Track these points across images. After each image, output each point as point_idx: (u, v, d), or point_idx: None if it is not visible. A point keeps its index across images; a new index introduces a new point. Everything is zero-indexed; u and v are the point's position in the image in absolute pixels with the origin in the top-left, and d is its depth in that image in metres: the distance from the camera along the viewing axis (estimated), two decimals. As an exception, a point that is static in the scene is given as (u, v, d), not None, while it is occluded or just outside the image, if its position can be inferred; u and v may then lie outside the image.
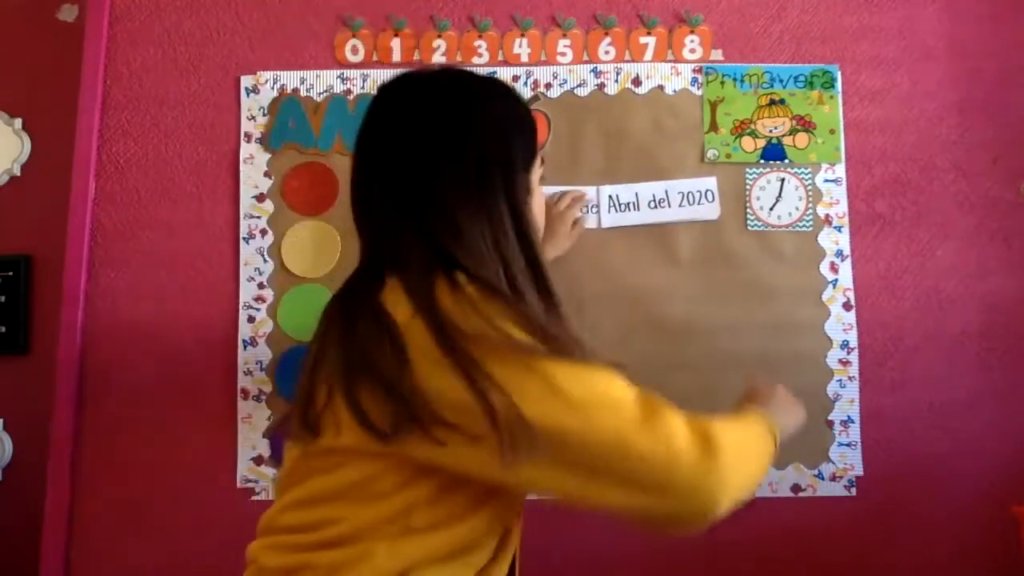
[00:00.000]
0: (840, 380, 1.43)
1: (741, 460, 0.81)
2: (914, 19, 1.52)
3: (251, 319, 1.47)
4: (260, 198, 1.50)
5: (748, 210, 1.47)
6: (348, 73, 1.52)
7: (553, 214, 1.42)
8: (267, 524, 0.90)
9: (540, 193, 0.94)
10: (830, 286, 1.46)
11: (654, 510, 0.78)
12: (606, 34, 1.52)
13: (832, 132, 1.49)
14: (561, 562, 1.41)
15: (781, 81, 1.50)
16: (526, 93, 1.50)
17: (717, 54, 1.51)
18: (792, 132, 1.49)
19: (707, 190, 1.47)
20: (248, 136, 1.51)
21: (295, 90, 1.52)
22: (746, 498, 0.84)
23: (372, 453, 0.79)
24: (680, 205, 1.47)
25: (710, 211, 1.46)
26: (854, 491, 1.41)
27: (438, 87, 0.89)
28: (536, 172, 0.92)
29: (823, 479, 1.42)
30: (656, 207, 1.47)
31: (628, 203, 1.47)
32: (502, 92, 0.93)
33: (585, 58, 1.51)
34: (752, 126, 1.49)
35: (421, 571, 0.80)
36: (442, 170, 0.83)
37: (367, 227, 0.88)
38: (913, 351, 1.45)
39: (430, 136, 0.84)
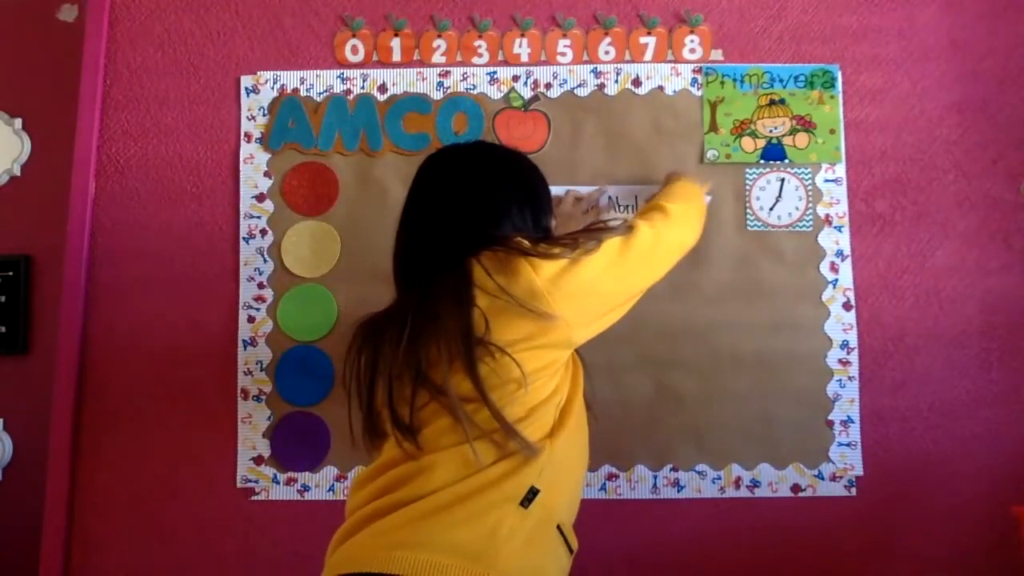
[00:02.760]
0: (840, 380, 1.43)
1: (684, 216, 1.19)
2: (914, 19, 1.52)
3: (251, 319, 1.47)
4: (260, 198, 1.50)
5: (748, 210, 1.47)
6: (348, 73, 1.52)
7: (559, 211, 1.43)
8: None
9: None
10: (830, 286, 1.46)
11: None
12: (606, 34, 1.52)
13: (832, 132, 1.49)
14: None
15: (781, 81, 1.49)
16: (526, 93, 1.50)
17: (717, 54, 1.51)
18: (792, 132, 1.49)
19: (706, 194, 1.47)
20: (248, 136, 1.51)
21: (295, 90, 1.52)
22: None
23: None
24: None
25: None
26: (854, 491, 1.42)
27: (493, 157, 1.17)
28: (552, 220, 1.17)
29: (823, 479, 1.42)
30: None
31: (627, 206, 1.47)
32: (522, 161, 1.18)
33: (585, 58, 1.51)
34: (752, 126, 1.49)
35: None
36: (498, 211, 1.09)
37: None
38: (913, 351, 1.45)
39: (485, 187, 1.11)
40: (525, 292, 0.97)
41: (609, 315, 1.08)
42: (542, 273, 0.98)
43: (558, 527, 1.01)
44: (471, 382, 0.95)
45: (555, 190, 1.46)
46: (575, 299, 1.00)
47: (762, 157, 1.48)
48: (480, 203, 1.08)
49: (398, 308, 1.05)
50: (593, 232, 1.07)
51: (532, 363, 0.98)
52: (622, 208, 1.47)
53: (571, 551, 1.05)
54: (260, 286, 1.48)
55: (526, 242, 1.01)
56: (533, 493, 0.96)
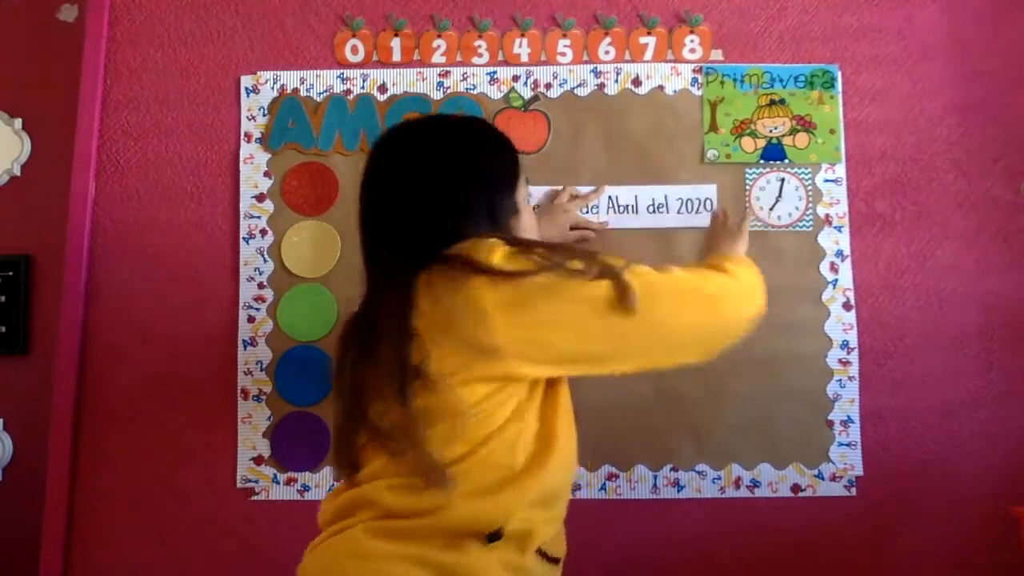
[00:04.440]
0: (840, 380, 1.43)
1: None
2: (914, 19, 1.52)
3: (251, 319, 1.47)
4: (260, 198, 1.50)
5: (748, 210, 1.47)
6: (348, 73, 1.52)
7: (554, 203, 1.44)
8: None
9: (528, 211, 1.06)
10: (830, 286, 1.46)
11: None
12: (606, 34, 1.52)
13: (832, 132, 1.49)
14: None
15: (781, 81, 1.49)
16: (526, 93, 1.50)
17: (717, 54, 1.51)
18: (792, 132, 1.49)
19: (706, 198, 1.47)
20: (248, 136, 1.51)
21: (295, 90, 1.52)
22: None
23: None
24: (679, 212, 1.47)
25: (708, 219, 1.46)
26: (854, 491, 1.42)
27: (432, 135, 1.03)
28: (522, 191, 1.04)
29: (823, 479, 1.42)
30: (655, 212, 1.47)
31: (627, 206, 1.47)
32: (479, 133, 1.05)
33: (585, 58, 1.51)
34: (752, 126, 1.49)
35: None
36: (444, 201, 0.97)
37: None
38: (913, 351, 1.45)
39: (431, 176, 0.98)
40: (469, 318, 0.87)
41: (579, 367, 0.93)
42: (492, 296, 0.86)
43: (539, 550, 0.94)
44: (405, 417, 0.88)
45: (555, 190, 1.48)
46: (527, 334, 0.88)
47: (762, 157, 1.48)
48: (422, 209, 0.96)
49: (351, 323, 1.00)
50: (576, 252, 0.92)
51: (474, 395, 0.89)
52: (622, 208, 1.47)
53: (556, 560, 1.00)
54: (260, 286, 1.48)
55: (483, 255, 0.88)
56: (497, 534, 0.89)
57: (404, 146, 1.02)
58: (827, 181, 1.48)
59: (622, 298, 0.87)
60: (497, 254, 0.88)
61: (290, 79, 1.52)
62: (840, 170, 1.48)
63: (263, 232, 1.49)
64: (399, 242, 0.96)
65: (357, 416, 0.94)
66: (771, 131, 1.49)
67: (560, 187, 1.47)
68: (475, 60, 1.52)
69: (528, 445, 0.92)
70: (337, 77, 1.52)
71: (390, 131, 1.05)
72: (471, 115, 1.12)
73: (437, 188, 0.96)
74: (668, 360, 0.95)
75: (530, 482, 0.90)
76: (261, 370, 1.46)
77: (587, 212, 1.46)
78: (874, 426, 1.43)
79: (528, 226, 1.04)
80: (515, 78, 1.51)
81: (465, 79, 1.51)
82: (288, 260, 1.48)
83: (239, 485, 1.45)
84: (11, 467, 1.52)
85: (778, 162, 1.48)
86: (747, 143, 1.48)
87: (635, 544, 1.42)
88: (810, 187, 1.47)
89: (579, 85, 1.50)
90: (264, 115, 1.52)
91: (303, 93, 1.52)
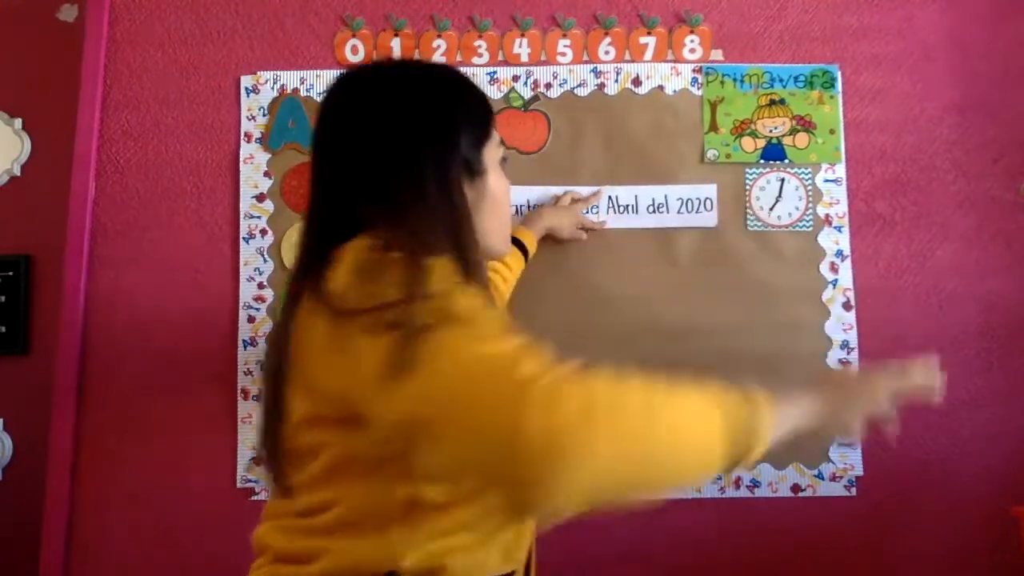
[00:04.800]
0: (840, 380, 1.43)
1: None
2: (914, 19, 1.52)
3: (251, 319, 1.47)
4: (260, 198, 1.50)
5: (748, 210, 1.47)
6: (348, 73, 1.52)
7: (558, 205, 1.45)
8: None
9: (498, 174, 0.91)
10: (830, 286, 1.46)
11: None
12: (606, 34, 1.52)
13: (832, 132, 1.49)
14: (559, 562, 1.41)
15: (781, 81, 1.49)
16: (526, 93, 1.50)
17: (717, 54, 1.51)
18: (792, 132, 1.49)
19: (706, 198, 1.47)
20: (248, 136, 1.51)
21: (295, 90, 1.52)
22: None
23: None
24: (679, 212, 1.47)
25: (708, 219, 1.46)
26: (854, 491, 1.41)
27: (379, 80, 0.88)
28: (491, 150, 0.89)
29: (823, 479, 1.42)
30: (655, 212, 1.47)
31: (628, 205, 1.47)
32: (441, 76, 0.90)
33: (585, 58, 1.51)
34: (752, 126, 1.49)
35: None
36: (385, 154, 0.82)
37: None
38: (913, 351, 1.44)
39: (372, 124, 0.84)
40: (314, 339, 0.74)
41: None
42: (323, 332, 0.72)
43: None
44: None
45: (554, 190, 1.48)
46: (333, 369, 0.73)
47: (762, 157, 1.48)
48: (353, 159, 0.83)
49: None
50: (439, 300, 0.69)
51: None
52: (622, 208, 1.47)
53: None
54: (260, 286, 1.48)
55: (331, 270, 0.74)
56: None
57: (347, 91, 0.88)
58: (827, 181, 1.48)
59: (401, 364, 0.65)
60: (341, 272, 0.73)
61: (290, 79, 1.52)
62: (840, 170, 1.48)
63: (263, 232, 1.49)
64: (303, 241, 0.84)
65: (271, 434, 0.82)
66: (771, 131, 1.49)
67: (560, 190, 1.47)
68: (475, 60, 1.52)
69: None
70: (337, 77, 1.52)
71: (338, 78, 0.91)
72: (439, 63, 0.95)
73: (375, 136, 0.83)
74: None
75: (420, 514, 0.76)
76: (261, 370, 1.46)
77: (587, 212, 1.46)
78: (874, 426, 1.42)
79: (497, 191, 0.89)
80: (515, 78, 1.51)
81: (465, 79, 1.51)
82: (288, 260, 1.48)
83: (239, 485, 1.45)
84: (11, 467, 1.52)
85: (778, 162, 1.48)
86: (747, 143, 1.48)
87: (635, 544, 1.42)
88: (810, 187, 1.47)
89: (579, 85, 1.50)
90: (264, 115, 1.51)
91: (303, 93, 1.52)
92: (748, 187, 1.47)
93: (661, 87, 1.50)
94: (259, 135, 1.51)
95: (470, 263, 0.78)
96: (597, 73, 1.51)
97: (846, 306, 1.45)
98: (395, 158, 0.82)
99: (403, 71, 0.89)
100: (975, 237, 1.47)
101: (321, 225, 0.83)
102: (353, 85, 0.88)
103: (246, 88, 1.52)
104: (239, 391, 1.46)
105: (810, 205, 1.47)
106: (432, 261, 0.72)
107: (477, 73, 1.51)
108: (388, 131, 0.82)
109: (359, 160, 0.83)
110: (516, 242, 1.35)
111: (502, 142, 0.92)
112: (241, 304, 1.48)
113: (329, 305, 0.71)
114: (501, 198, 0.91)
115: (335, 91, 0.89)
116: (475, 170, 0.86)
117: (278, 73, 1.52)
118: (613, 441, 0.61)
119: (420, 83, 0.86)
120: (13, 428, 1.52)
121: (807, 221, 1.47)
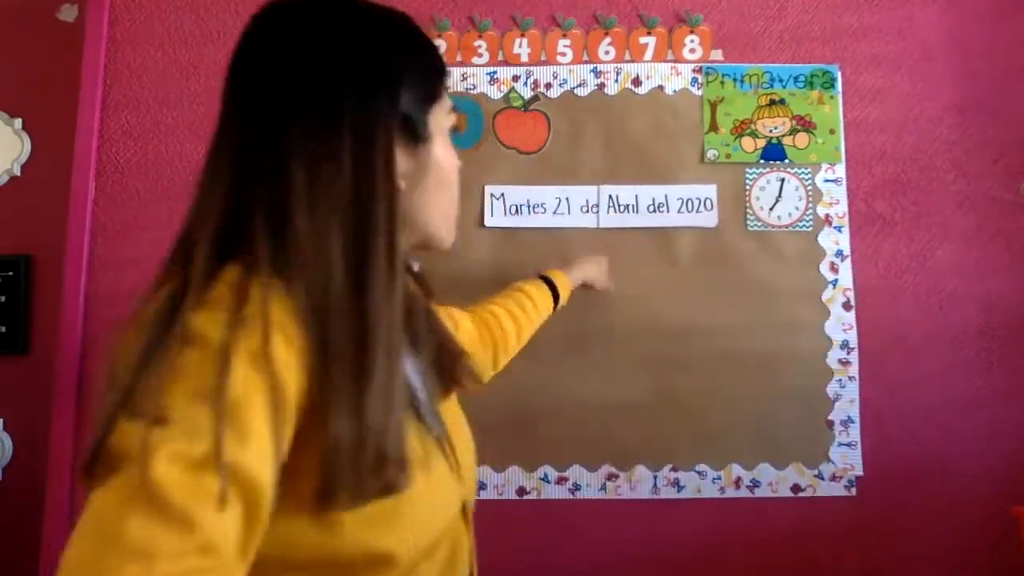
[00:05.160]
0: (840, 380, 1.43)
1: None
2: (914, 19, 1.52)
3: (251, 319, 1.47)
4: (260, 198, 1.50)
5: (748, 210, 1.47)
6: (348, 73, 1.52)
7: (596, 260, 1.40)
8: None
9: (447, 146, 0.75)
10: (830, 286, 1.46)
11: None
12: (606, 34, 1.52)
13: (832, 132, 1.49)
14: (558, 563, 1.41)
15: (781, 81, 1.49)
16: (526, 93, 1.50)
17: (717, 54, 1.51)
18: (792, 132, 1.49)
19: (706, 198, 1.47)
20: (248, 136, 1.51)
21: (295, 90, 1.51)
22: None
23: None
24: (679, 211, 1.47)
25: (708, 219, 1.46)
26: (854, 491, 1.41)
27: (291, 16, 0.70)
28: (439, 115, 0.74)
29: (823, 479, 1.42)
30: (655, 211, 1.47)
31: (628, 205, 1.47)
32: (387, 15, 0.72)
33: (585, 58, 1.51)
34: (752, 126, 1.49)
35: None
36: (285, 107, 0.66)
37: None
38: (913, 351, 1.45)
39: (276, 70, 0.67)
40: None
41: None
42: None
43: None
44: None
45: (554, 190, 1.48)
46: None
47: (762, 157, 1.48)
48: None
49: None
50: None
51: None
52: (622, 208, 1.47)
53: None
54: (260, 286, 1.48)
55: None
56: None
57: (264, 22, 0.70)
58: (827, 181, 1.48)
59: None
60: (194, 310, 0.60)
61: (290, 79, 1.52)
62: (840, 170, 1.48)
63: (263, 232, 1.49)
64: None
65: None
66: (771, 131, 1.49)
67: (560, 190, 1.47)
68: (475, 60, 1.52)
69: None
70: (337, 77, 1.52)
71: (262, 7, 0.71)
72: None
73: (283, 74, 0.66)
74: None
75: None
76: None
77: (587, 212, 1.46)
78: (874, 426, 1.43)
79: (444, 163, 0.74)
80: (515, 78, 1.51)
81: (465, 79, 1.51)
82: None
83: (239, 485, 1.44)
84: (11, 467, 1.52)
85: (778, 162, 1.48)
86: (747, 143, 1.48)
87: (635, 544, 1.42)
88: (810, 187, 1.47)
89: (579, 85, 1.50)
90: (264, 115, 1.51)
91: (303, 93, 1.51)
92: (748, 187, 1.47)
93: (661, 87, 1.50)
94: (259, 135, 1.51)
95: (386, 265, 0.64)
96: (597, 73, 1.51)
97: (846, 306, 1.45)
98: (306, 99, 0.65)
99: (341, 3, 0.70)
100: (975, 237, 1.47)
101: (203, 226, 0.68)
102: (274, 15, 0.69)
103: (246, 88, 1.52)
104: (239, 391, 1.46)
105: (810, 205, 1.47)
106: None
107: (477, 73, 1.51)
108: (303, 66, 0.66)
109: (260, 106, 0.66)
110: (546, 281, 1.26)
111: (454, 109, 0.77)
112: (241, 304, 1.47)
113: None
114: (448, 174, 0.75)
115: (251, 23, 0.70)
116: (418, 134, 0.70)
117: (278, 73, 1.52)
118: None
119: (358, 17, 0.69)
120: (13, 428, 1.52)
121: (807, 221, 1.47)
